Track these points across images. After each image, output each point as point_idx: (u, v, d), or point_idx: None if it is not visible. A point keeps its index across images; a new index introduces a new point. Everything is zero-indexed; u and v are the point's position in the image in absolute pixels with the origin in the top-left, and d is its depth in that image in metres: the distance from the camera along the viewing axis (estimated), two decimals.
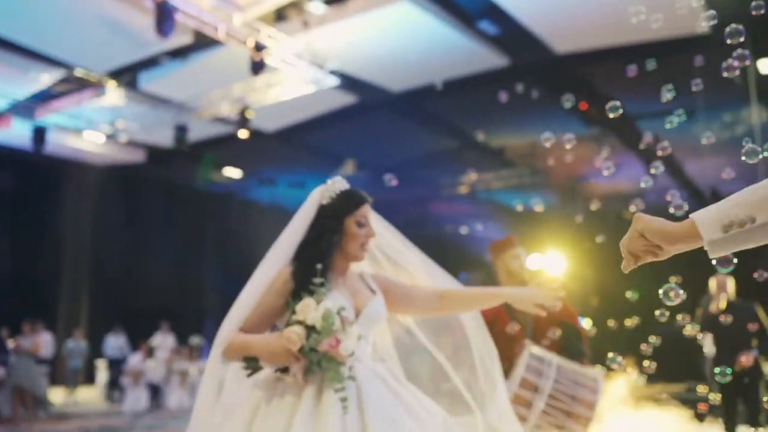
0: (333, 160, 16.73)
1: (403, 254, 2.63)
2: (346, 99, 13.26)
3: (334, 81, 11.13)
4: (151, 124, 13.44)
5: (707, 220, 1.30)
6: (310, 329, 2.00)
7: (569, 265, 12.72)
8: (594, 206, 17.28)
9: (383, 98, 13.16)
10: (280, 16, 10.76)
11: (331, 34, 10.73)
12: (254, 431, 2.02)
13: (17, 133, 13.90)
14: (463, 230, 19.19)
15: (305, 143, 15.76)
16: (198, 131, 13.70)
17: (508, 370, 3.46)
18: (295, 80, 11.23)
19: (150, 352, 13.12)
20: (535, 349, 3.62)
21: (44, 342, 11.44)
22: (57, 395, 13.66)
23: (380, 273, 2.55)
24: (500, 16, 10.45)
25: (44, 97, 12.92)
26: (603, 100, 13.47)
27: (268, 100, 11.76)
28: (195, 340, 13.52)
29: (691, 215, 1.35)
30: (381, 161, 16.63)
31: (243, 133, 12.26)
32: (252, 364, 2.12)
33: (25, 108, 13.21)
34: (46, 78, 12.19)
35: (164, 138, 14.12)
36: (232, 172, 17.32)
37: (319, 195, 2.40)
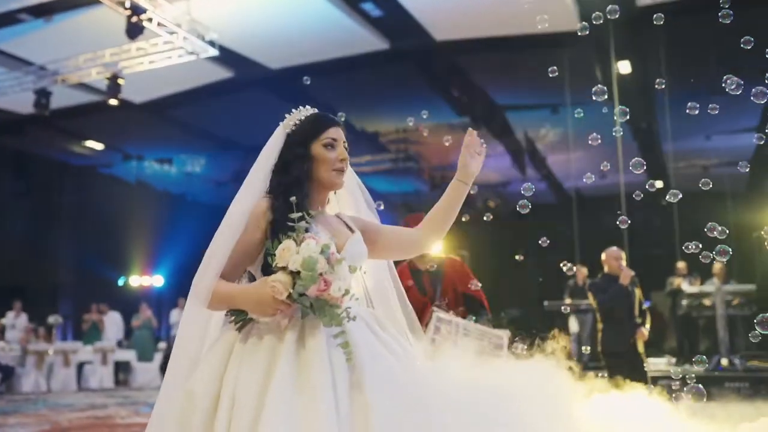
0: (203, 137, 16.27)
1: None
2: (222, 73, 12.90)
3: (213, 52, 10.78)
4: (7, 87, 12.45)
5: None
6: (295, 274, 1.84)
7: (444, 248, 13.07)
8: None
9: (260, 75, 12.92)
10: None
11: (211, 4, 10.40)
12: (228, 374, 1.87)
13: None
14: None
15: (175, 118, 15.17)
16: (58, 98, 12.82)
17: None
18: (172, 49, 10.76)
19: (1, 333, 12.24)
20: (442, 314, 3.78)
21: None
22: None
23: (356, 215, 2.37)
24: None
25: None
26: (476, 90, 14.00)
27: (142, 67, 11.20)
28: (51, 318, 12.72)
29: None
30: (253, 139, 16.33)
31: (113, 102, 11.60)
32: (240, 316, 1.97)
33: None
34: None
35: (20, 103, 13.14)
36: (94, 144, 16.38)
37: (284, 125, 2.23)
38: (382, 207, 2.76)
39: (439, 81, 13.74)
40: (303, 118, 2.21)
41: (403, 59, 12.68)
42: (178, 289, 16.13)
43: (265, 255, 2.01)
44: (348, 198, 2.41)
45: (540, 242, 3.83)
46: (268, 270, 1.99)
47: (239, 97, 13.89)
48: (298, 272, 1.83)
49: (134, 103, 13.85)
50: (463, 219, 3.30)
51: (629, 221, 3.93)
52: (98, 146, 16.54)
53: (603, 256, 6.89)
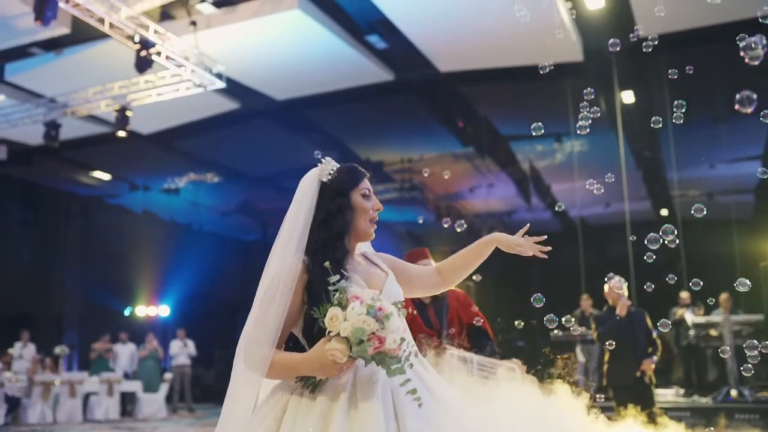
0: (210, 168, 16.39)
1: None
2: (229, 105, 13.03)
3: (220, 84, 10.92)
4: (17, 119, 12.60)
5: None
6: (349, 339, 1.84)
7: None
8: (459, 227, 17.84)
9: (267, 106, 13.04)
10: (167, 14, 10.47)
11: (218, 37, 10.54)
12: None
13: None
14: None
15: (182, 149, 15.29)
16: (67, 130, 12.96)
17: None
18: (179, 81, 10.90)
19: (8, 364, 12.22)
20: (454, 350, 3.79)
21: None
22: None
23: (381, 253, 2.36)
24: (389, 32, 10.67)
25: None
26: (480, 120, 14.08)
27: (150, 100, 11.34)
28: (58, 349, 12.71)
29: None
30: (258, 170, 16.46)
31: (122, 134, 11.73)
32: (310, 381, 1.95)
33: None
34: None
35: (30, 134, 13.29)
36: (101, 175, 16.50)
37: (318, 174, 2.17)
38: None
39: (444, 111, 13.86)
40: (336, 168, 2.19)
41: (408, 90, 12.81)
42: (183, 319, 16.13)
43: (310, 319, 1.99)
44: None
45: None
46: (310, 333, 1.99)
47: (245, 127, 14.00)
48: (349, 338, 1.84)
49: (142, 134, 13.98)
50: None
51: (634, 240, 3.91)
52: (105, 176, 16.67)
53: (605, 288, 6.85)
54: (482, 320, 4.23)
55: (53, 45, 11.03)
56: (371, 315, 1.84)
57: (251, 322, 2.01)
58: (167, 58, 10.12)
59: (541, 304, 3.12)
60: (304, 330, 2.05)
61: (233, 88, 11.91)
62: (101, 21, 9.09)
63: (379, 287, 2.12)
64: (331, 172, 2.16)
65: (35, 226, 17.04)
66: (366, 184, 2.19)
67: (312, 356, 1.91)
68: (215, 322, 16.78)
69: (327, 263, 1.98)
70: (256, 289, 2.08)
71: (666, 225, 3.64)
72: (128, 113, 11.51)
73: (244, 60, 11.28)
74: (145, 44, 9.53)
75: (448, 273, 2.42)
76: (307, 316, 2.01)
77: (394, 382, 1.92)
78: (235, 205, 18.18)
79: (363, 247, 2.30)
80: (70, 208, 17.57)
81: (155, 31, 9.77)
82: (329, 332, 1.87)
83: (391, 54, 11.56)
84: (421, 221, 17.45)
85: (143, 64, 9.53)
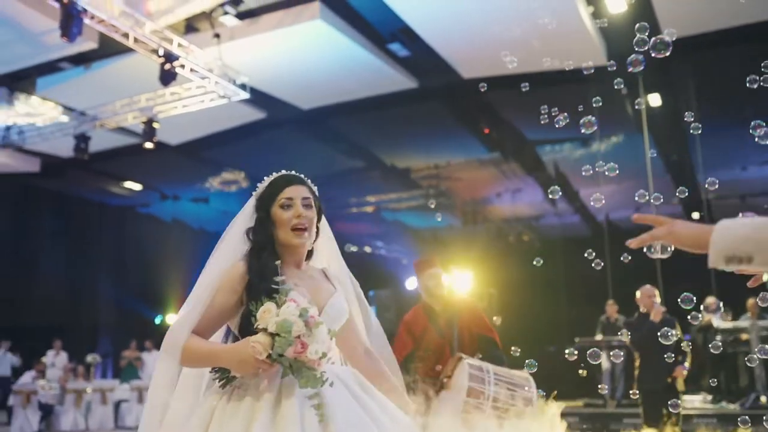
0: (238, 177, 16.55)
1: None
2: (255, 115, 13.17)
3: (244, 95, 11.04)
4: (48, 133, 12.88)
5: (716, 249, 1.42)
6: (274, 336, 1.88)
7: (474, 284, 13.05)
8: (489, 231, 17.84)
9: (292, 115, 13.14)
10: (191, 27, 10.62)
11: (242, 49, 10.66)
12: None
13: None
14: (368, 249, 19.36)
15: (210, 158, 15.49)
16: (97, 142, 13.21)
17: (436, 376, 3.75)
18: (204, 93, 11.05)
19: (42, 372, 12.49)
20: (471, 360, 3.85)
21: None
22: None
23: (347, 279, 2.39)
24: (411, 39, 10.69)
25: None
26: (505, 126, 14.01)
27: (176, 111, 11.51)
28: (90, 357, 12.94)
29: (714, 231, 1.45)
30: None
31: (149, 145, 11.93)
32: (224, 374, 2.01)
33: None
34: None
35: (61, 147, 13.57)
36: (132, 185, 16.78)
37: (255, 193, 2.29)
38: (354, 249, 2.79)
39: (469, 117, 13.82)
40: (267, 182, 2.27)
41: (432, 97, 12.80)
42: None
43: (246, 316, 2.04)
44: (324, 250, 2.41)
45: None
46: (246, 331, 2.02)
47: (272, 137, 14.13)
48: (277, 334, 1.87)
49: (170, 145, 14.20)
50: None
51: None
52: (136, 186, 16.95)
53: (637, 294, 6.90)
54: (491, 331, 4.25)
55: (82, 59, 11.27)
56: (303, 318, 1.89)
57: (182, 313, 2.12)
58: (191, 70, 10.26)
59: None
60: (240, 327, 2.10)
61: (259, 98, 12.03)
62: (126, 36, 9.25)
63: (324, 301, 2.16)
64: (263, 188, 2.26)
65: (68, 236, 17.36)
66: (287, 193, 2.20)
67: (235, 347, 1.97)
68: None
69: (278, 262, 2.07)
70: None
71: None
72: (155, 125, 11.70)
73: (268, 70, 11.39)
74: (169, 57, 9.67)
75: (367, 363, 2.33)
76: (244, 314, 2.07)
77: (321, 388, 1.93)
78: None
79: (327, 263, 2.37)
80: (102, 218, 17.90)
81: (179, 44, 9.91)
82: (257, 326, 1.92)
83: (413, 61, 11.58)
84: (446, 226, 17.44)
85: (167, 77, 9.68)
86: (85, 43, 10.29)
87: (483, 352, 4.11)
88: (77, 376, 12.31)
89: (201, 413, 2.00)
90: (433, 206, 16.32)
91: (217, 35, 10.27)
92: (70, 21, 8.13)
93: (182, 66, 10.03)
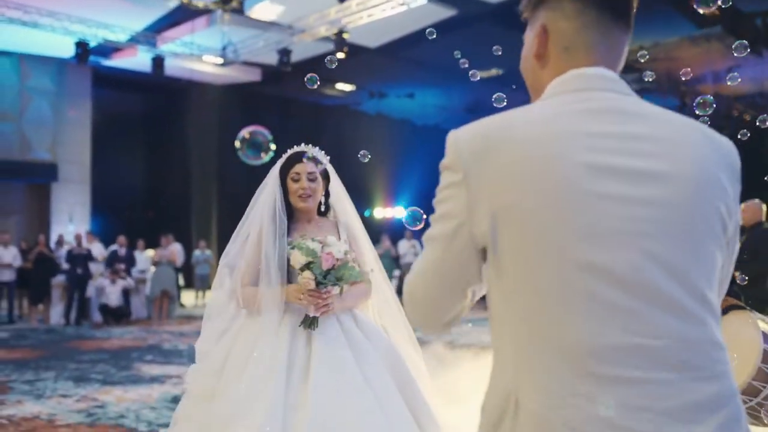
0: (440, 72, 16.89)
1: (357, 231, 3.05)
2: (446, 12, 13.29)
3: (421, 2, 11.24)
4: (257, 49, 14.13)
5: None
6: (308, 266, 2.58)
7: None
8: (701, 111, 16.30)
9: (481, 10, 13.06)
10: None
11: None
12: (234, 346, 2.68)
13: (141, 61, 15.12)
14: None
15: (409, 57, 15.95)
16: (304, 51, 14.23)
17: None
18: (386, 1, 11.43)
19: None
20: (763, 324, 2.60)
21: (178, 252, 12.84)
22: (188, 298, 15.35)
23: (358, 233, 3.02)
24: None
25: (161, 27, 13.90)
26: None
27: (362, 21, 12.07)
28: None
29: None
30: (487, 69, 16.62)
31: (340, 55, 12.68)
32: (308, 321, 2.68)
33: (147, 38, 14.29)
34: (160, 10, 13.08)
35: (274, 58, 14.84)
36: (343, 86, 17.89)
37: (279, 163, 2.95)
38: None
39: None
40: (287, 155, 2.95)
41: None
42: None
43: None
44: (338, 205, 3.06)
45: None
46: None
47: (465, 32, 14.19)
48: (309, 263, 2.60)
49: (370, 48, 14.89)
50: None
51: None
52: (348, 87, 18.02)
53: None
54: None
55: None
56: (315, 241, 2.66)
57: (242, 264, 2.82)
58: None
59: None
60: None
61: None
62: None
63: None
64: (283, 160, 2.93)
65: (290, 136, 19.07)
66: (296, 169, 2.86)
67: (293, 286, 2.68)
68: None
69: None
70: None
71: None
72: (345, 35, 12.35)
73: None
74: None
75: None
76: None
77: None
78: (465, 106, 18.63)
79: (341, 216, 3.01)
80: (318, 117, 19.36)
81: None
82: (296, 268, 2.64)
83: None
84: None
85: None
86: None
87: None
88: None
89: (234, 329, 2.80)
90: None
91: None
92: None
93: None
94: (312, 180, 2.86)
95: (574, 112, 1.06)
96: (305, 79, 3.15)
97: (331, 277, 2.60)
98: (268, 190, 2.91)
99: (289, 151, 2.96)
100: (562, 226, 0.99)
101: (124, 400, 5.89)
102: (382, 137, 18.86)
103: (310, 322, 2.64)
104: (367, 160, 2.98)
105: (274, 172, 2.93)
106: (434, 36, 5.20)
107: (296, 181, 2.85)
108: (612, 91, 1.11)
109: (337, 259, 2.60)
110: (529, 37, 1.21)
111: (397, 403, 2.62)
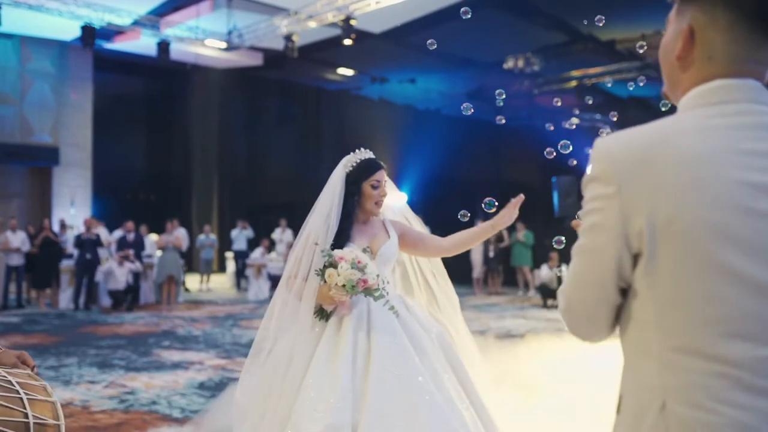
0: (441, 58, 16.90)
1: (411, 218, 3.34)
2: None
3: None
4: (263, 34, 14.10)
5: None
6: (344, 286, 2.74)
7: None
8: None
9: None
10: None
11: None
12: (296, 348, 2.82)
13: (143, 44, 15.06)
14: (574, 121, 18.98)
15: (413, 42, 15.95)
16: (309, 35, 14.22)
17: None
18: None
19: (271, 246, 14.39)
20: None
21: (183, 236, 12.88)
22: (192, 282, 15.41)
23: (399, 221, 3.22)
24: None
25: (165, 11, 13.85)
26: None
27: (370, 8, 12.07)
28: None
29: None
30: (488, 56, 16.64)
31: (347, 42, 12.69)
32: (322, 312, 2.91)
33: (151, 21, 14.23)
34: None
35: (277, 42, 14.82)
36: (344, 71, 17.88)
37: (344, 166, 3.04)
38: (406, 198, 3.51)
39: None
40: (359, 161, 3.04)
41: None
42: (419, 207, 17.33)
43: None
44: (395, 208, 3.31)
45: None
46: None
47: (471, 17, 14.19)
48: (344, 285, 2.77)
49: (374, 33, 14.88)
50: None
51: None
52: (349, 72, 18.01)
53: None
54: None
55: None
56: (354, 268, 2.75)
57: (290, 263, 3.01)
58: None
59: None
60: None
61: None
62: None
63: (378, 247, 3.01)
64: (354, 165, 3.03)
65: (293, 120, 19.10)
66: (376, 176, 3.01)
67: (325, 291, 2.82)
68: (451, 206, 17.74)
69: (317, 243, 2.93)
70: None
71: None
72: (352, 22, 12.35)
73: None
74: None
75: (453, 245, 3.13)
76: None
77: (371, 305, 2.86)
78: (465, 90, 18.66)
79: (389, 214, 3.19)
80: (320, 101, 19.35)
81: None
82: (329, 284, 2.78)
83: None
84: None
85: None
86: None
87: None
88: None
89: (293, 331, 2.93)
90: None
91: None
92: None
93: None
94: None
95: (728, 128, 1.07)
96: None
97: (361, 293, 2.81)
98: (327, 195, 3.04)
99: (361, 157, 3.07)
100: (725, 241, 1.01)
101: (152, 387, 5.99)
102: (383, 122, 18.89)
103: (324, 314, 2.88)
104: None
105: (339, 175, 3.04)
106: (469, 15, 5.24)
107: (376, 188, 3.00)
108: (761, 103, 1.10)
109: (370, 285, 2.77)
110: (674, 30, 1.16)
111: (453, 386, 2.81)
